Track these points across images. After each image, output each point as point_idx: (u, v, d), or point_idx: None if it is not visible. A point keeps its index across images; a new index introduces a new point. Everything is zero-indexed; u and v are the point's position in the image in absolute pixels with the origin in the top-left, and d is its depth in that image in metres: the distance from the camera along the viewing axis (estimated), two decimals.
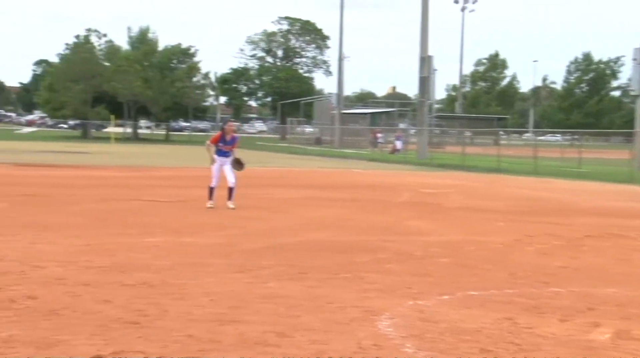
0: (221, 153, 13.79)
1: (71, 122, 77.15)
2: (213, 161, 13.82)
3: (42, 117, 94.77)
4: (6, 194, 15.21)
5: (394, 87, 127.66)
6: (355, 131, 60.85)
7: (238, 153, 14.18)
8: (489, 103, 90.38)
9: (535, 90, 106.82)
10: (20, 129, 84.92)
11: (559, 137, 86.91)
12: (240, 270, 7.86)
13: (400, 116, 77.86)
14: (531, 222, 13.37)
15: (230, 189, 13.61)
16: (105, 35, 71.70)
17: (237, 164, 14.03)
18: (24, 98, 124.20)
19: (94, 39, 71.05)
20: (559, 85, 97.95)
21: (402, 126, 68.10)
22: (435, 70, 47.60)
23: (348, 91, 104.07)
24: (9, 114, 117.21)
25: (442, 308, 6.44)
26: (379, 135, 53.36)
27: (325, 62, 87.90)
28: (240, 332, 5.44)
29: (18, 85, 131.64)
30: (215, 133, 14.21)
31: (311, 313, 6.11)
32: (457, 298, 6.87)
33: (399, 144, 46.94)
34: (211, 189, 13.73)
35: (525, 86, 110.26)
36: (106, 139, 60.84)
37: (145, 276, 7.32)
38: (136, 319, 5.69)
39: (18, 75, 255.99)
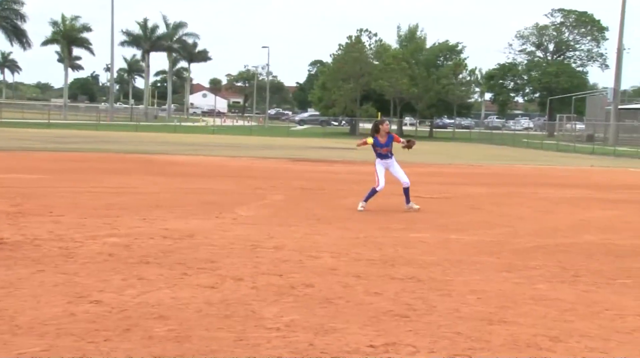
0: (381, 156, 12.77)
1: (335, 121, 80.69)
2: (363, 143, 12.90)
3: (312, 115, 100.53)
4: (284, 187, 16.33)
5: None
6: (634, 127, 56.51)
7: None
8: None
9: None
10: (295, 126, 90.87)
11: None
12: (509, 269, 7.66)
13: None
14: None
15: (406, 190, 12.66)
16: (375, 34, 74.13)
17: (409, 143, 13.05)
18: (299, 97, 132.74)
19: (364, 38, 73.75)
20: None
21: None
22: None
23: (626, 85, 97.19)
24: (286, 112, 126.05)
25: None
26: None
27: (601, 55, 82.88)
28: (510, 333, 5.30)
29: (295, 85, 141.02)
30: (367, 136, 12.78)
31: (586, 319, 5.77)
32: None
33: None
34: (374, 192, 12.58)
35: None
36: None
37: (413, 271, 7.43)
38: (405, 313, 5.79)
39: (295, 75, 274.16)
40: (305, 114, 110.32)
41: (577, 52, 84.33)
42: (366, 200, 12.57)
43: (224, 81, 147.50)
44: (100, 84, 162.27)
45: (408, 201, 12.66)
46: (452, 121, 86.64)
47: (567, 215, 12.77)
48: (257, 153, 31.04)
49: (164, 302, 5.87)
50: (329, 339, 5.04)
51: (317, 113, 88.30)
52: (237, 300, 6.01)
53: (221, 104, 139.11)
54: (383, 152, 12.71)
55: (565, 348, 4.99)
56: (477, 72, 76.72)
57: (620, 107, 57.83)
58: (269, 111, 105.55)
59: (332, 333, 5.17)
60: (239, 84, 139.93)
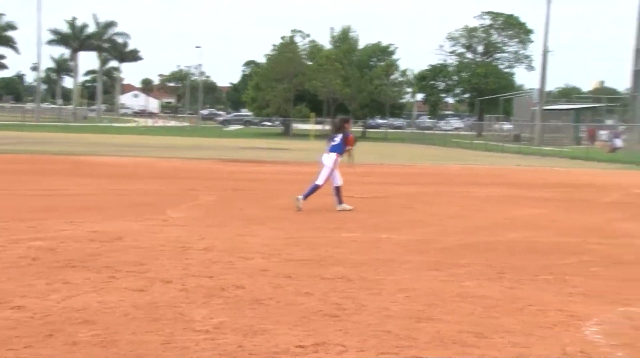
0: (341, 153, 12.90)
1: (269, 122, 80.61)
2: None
3: (236, 116, 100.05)
4: (216, 188, 16.22)
5: (601, 82, 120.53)
6: (558, 128, 58.23)
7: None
8: None
9: None
10: (228, 126, 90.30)
11: None
12: (437, 268, 7.80)
13: (608, 112, 73.36)
14: None
15: (314, 188, 12.66)
16: (308, 35, 74.46)
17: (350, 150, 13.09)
18: (233, 97, 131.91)
19: (298, 39, 73.93)
20: None
21: (609, 122, 64.15)
22: None
23: (551, 86, 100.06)
24: (219, 112, 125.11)
25: None
26: (602, 132, 50.83)
27: (527, 57, 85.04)
28: (437, 330, 5.39)
29: (228, 85, 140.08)
30: (350, 137, 12.94)
31: (510, 315, 5.93)
32: None
33: (618, 142, 43.93)
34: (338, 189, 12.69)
35: None
36: (306, 136, 63.04)
37: (343, 271, 7.48)
38: (335, 312, 5.83)
39: (229, 75, 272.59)
40: (229, 115, 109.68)
41: (505, 54, 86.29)
42: (340, 201, 12.56)
43: (156, 81, 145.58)
44: (26, 84, 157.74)
45: (306, 196, 12.51)
46: (385, 121, 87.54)
47: (494, 214, 13.06)
48: (189, 154, 30.73)
49: (90, 306, 5.76)
50: (258, 340, 5.04)
51: (241, 113, 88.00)
52: (165, 303, 5.94)
53: (153, 104, 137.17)
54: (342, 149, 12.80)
55: (489, 344, 5.11)
56: (408, 73, 77.88)
57: (545, 108, 59.39)
58: (202, 112, 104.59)
59: (262, 334, 5.17)
60: (172, 84, 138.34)
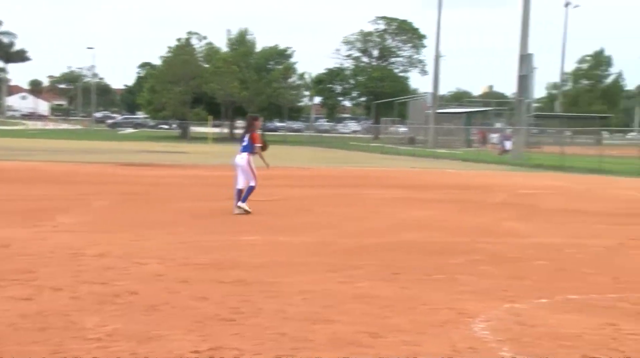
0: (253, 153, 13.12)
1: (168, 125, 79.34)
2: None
3: (126, 118, 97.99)
4: (109, 192, 15.81)
5: (490, 86, 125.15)
6: (450, 131, 60.05)
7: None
8: (592, 102, 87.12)
9: None
10: (124, 129, 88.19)
11: None
12: (334, 270, 7.89)
13: (497, 115, 76.29)
14: (635, 224, 12.83)
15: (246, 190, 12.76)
16: (205, 37, 73.59)
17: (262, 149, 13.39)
18: (128, 100, 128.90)
19: (194, 41, 73.03)
20: None
21: (498, 125, 66.69)
22: (535, 68, 46.35)
23: (443, 90, 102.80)
24: (113, 115, 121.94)
25: (540, 312, 6.26)
26: (493, 135, 52.51)
27: (421, 61, 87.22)
28: (332, 331, 5.46)
29: (123, 87, 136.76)
30: (254, 135, 13.17)
31: (404, 314, 6.07)
32: (556, 302, 6.67)
33: (508, 145, 45.43)
34: (252, 189, 12.79)
35: (631, 83, 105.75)
36: (204, 139, 62.40)
37: (241, 274, 7.45)
38: (231, 316, 5.80)
39: (124, 77, 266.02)
40: (120, 118, 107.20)
41: (400, 59, 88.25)
42: (244, 201, 12.50)
43: (46, 83, 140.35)
44: None
45: (243, 200, 12.59)
46: (284, 124, 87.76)
47: (389, 215, 13.33)
48: (82, 158, 29.80)
49: None
50: (152, 346, 4.95)
51: (132, 116, 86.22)
52: (55, 311, 5.75)
53: (43, 106, 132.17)
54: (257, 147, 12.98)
55: (384, 344, 5.21)
56: (306, 76, 78.38)
57: (438, 111, 61.13)
58: (95, 114, 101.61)
59: (156, 341, 5.08)
60: (63, 86, 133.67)
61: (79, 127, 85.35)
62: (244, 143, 13.05)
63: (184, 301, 6.26)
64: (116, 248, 8.78)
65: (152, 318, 5.66)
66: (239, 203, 12.57)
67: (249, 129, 13.18)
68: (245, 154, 12.89)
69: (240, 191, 12.71)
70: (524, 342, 5.33)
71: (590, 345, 5.30)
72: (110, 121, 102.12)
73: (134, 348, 4.89)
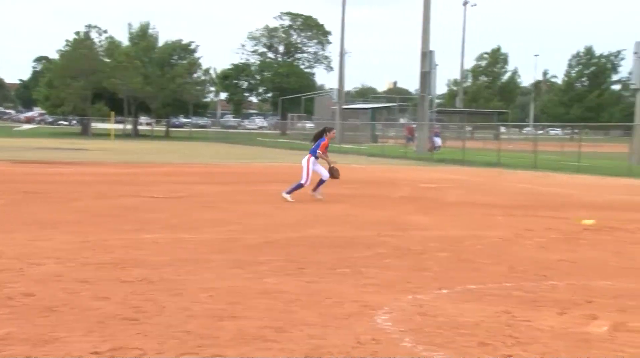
0: (316, 156, 15.15)
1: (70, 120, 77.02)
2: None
3: (41, 114, 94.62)
4: (5, 191, 15.20)
5: (394, 83, 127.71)
6: (356, 126, 60.81)
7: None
8: (490, 98, 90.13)
9: (536, 84, 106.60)
10: (20, 126, 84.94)
11: (558, 131, 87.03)
12: (239, 266, 7.85)
13: (401, 111, 77.84)
14: (530, 216, 13.36)
15: (321, 182, 15.21)
16: (105, 31, 71.77)
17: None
18: (23, 95, 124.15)
19: (94, 35, 71.08)
20: (560, 79, 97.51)
21: (402, 121, 68.02)
22: (437, 65, 47.43)
23: (349, 87, 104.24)
24: (8, 111, 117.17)
25: (441, 302, 6.43)
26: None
27: (326, 57, 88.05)
28: (238, 328, 5.43)
29: (18, 82, 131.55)
30: (324, 143, 15.27)
31: (309, 308, 6.10)
32: (456, 293, 6.87)
33: (438, 141, 45.71)
34: (300, 186, 14.85)
35: (526, 80, 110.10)
36: (106, 135, 60.85)
37: (144, 273, 7.31)
38: (134, 315, 5.69)
39: (18, 72, 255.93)
40: (33, 113, 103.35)
41: (305, 55, 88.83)
42: (290, 193, 14.50)
43: None
44: None
45: (288, 192, 14.63)
46: (189, 120, 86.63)
47: (296, 211, 13.38)
48: None
49: None
50: (48, 349, 4.79)
51: (44, 111, 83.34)
52: None
53: None
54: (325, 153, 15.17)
55: (288, 338, 5.23)
56: (212, 71, 77.60)
57: (344, 107, 61.79)
58: None
59: (53, 343, 4.92)
60: None
61: None
62: (314, 146, 15.10)
63: (84, 301, 6.09)
64: (10, 248, 8.45)
65: (49, 320, 5.48)
66: (284, 193, 14.52)
67: (323, 135, 15.24)
68: (308, 155, 15.04)
69: (322, 181, 15.04)
70: (425, 331, 5.46)
71: (486, 332, 5.49)
72: (38, 118, 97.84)
73: (29, 352, 4.72)
